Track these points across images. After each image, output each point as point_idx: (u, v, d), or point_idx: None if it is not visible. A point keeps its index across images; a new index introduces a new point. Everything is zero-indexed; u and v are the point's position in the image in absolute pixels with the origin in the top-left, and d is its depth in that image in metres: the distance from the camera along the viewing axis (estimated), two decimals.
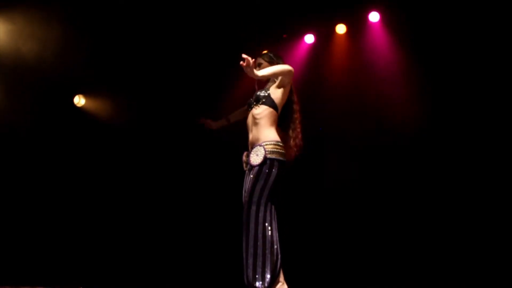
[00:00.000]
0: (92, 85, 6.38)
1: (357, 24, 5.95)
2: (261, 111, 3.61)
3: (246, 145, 3.68)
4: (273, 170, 3.46)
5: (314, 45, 6.17)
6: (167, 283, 5.63)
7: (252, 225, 3.38)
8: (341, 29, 5.99)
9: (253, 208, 3.40)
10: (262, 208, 3.41)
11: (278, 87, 3.67)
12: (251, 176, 3.48)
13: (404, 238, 5.33)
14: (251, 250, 3.36)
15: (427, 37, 5.47)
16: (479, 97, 5.21)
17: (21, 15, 5.45)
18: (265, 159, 3.46)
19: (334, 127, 5.91)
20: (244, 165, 3.66)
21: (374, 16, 5.82)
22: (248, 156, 3.60)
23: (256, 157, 3.49)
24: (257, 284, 3.30)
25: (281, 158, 3.51)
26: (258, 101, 3.65)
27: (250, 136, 3.66)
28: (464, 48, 5.28)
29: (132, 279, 5.72)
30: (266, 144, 3.50)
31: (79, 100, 6.44)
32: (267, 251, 3.35)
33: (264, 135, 3.57)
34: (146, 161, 6.39)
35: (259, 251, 3.35)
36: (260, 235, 3.37)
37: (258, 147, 3.52)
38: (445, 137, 5.37)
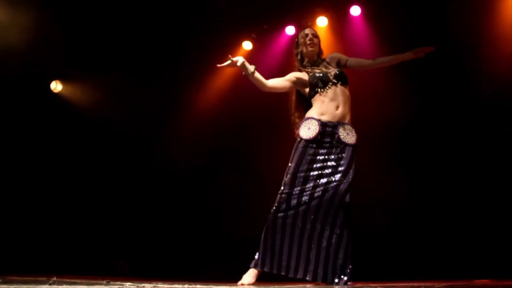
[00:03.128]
0: (69, 71, 6.29)
1: (339, 17, 5.94)
2: (346, 90, 3.51)
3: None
4: (355, 156, 3.35)
5: (294, 37, 6.14)
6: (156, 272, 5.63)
7: (344, 212, 3.20)
8: (322, 21, 5.98)
9: (348, 196, 3.23)
10: (352, 195, 3.25)
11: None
12: (347, 157, 3.31)
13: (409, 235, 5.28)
14: (344, 239, 3.17)
15: (408, 31, 5.47)
16: (465, 91, 5.24)
17: None
18: (356, 142, 3.36)
19: None
20: (319, 136, 3.33)
21: (355, 10, 5.83)
22: (334, 131, 3.35)
23: (349, 137, 3.35)
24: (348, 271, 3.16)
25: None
26: (345, 80, 3.53)
27: (339, 110, 3.41)
28: (447, 42, 5.26)
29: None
30: (353, 129, 3.41)
31: (56, 86, 6.35)
32: (351, 239, 3.22)
33: (350, 116, 3.45)
34: (126, 145, 6.35)
35: (349, 243, 3.19)
36: (348, 223, 3.22)
37: (350, 127, 3.39)
38: (432, 132, 5.37)
